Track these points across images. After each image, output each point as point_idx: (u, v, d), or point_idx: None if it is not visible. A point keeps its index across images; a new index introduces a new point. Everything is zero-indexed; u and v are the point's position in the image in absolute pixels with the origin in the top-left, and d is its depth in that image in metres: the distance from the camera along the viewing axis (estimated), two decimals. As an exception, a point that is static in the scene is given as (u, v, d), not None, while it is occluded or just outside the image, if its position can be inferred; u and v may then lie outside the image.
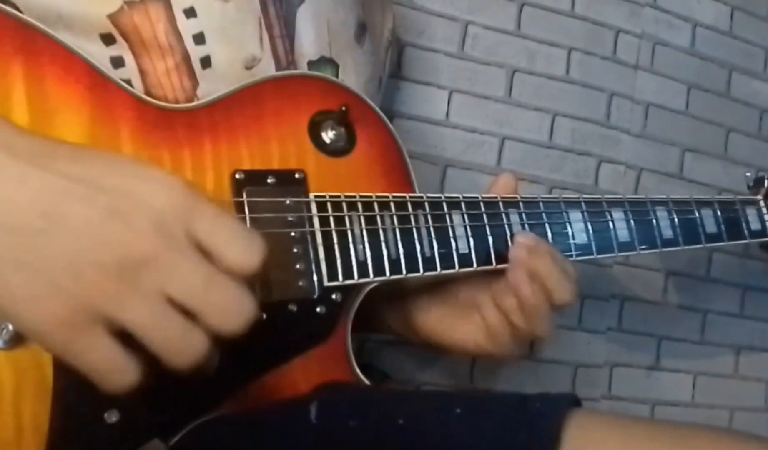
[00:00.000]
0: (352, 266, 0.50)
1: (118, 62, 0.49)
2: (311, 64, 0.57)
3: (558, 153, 0.98)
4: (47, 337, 0.36)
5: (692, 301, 1.06)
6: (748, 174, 0.82)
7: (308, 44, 0.57)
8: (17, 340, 0.41)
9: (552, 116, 0.98)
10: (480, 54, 0.94)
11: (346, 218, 0.51)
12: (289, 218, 0.49)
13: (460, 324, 0.58)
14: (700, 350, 1.07)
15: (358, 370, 0.52)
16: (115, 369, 0.36)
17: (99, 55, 0.48)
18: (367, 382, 0.53)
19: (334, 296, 0.50)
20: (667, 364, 1.05)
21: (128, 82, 0.49)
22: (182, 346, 0.37)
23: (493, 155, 0.94)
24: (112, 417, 0.43)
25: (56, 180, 0.36)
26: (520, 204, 0.59)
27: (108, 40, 0.49)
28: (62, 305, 0.35)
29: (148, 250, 0.36)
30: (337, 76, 0.58)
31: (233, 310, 0.37)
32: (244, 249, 0.38)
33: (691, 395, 1.06)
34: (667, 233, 0.65)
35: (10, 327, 0.40)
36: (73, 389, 0.42)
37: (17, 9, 0.46)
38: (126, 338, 0.37)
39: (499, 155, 0.94)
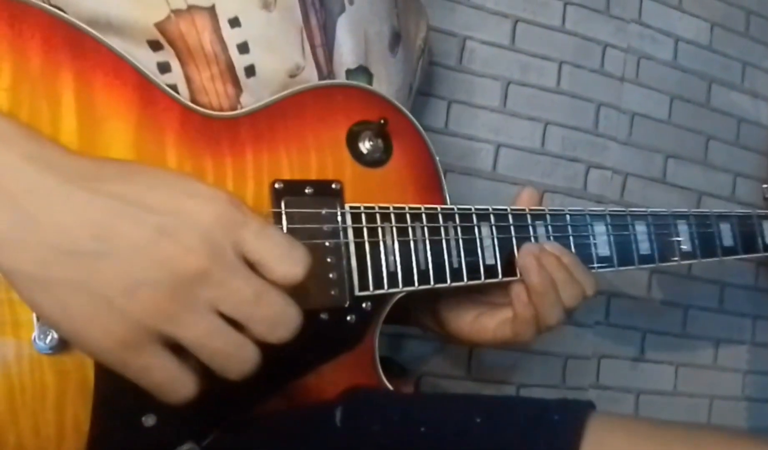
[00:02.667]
0: (382, 277, 0.50)
1: (164, 68, 0.48)
2: (349, 73, 0.56)
3: (549, 159, 0.99)
4: (107, 355, 0.36)
5: (675, 297, 1.08)
6: (765, 186, 0.81)
7: (347, 53, 0.56)
8: (62, 345, 0.40)
9: (544, 125, 0.99)
10: (477, 67, 0.95)
11: (379, 230, 0.51)
12: (325, 228, 0.49)
13: (491, 321, 0.57)
14: (682, 343, 1.09)
15: (383, 377, 0.52)
16: (173, 383, 0.37)
17: (146, 60, 0.47)
18: (390, 387, 0.52)
19: (364, 305, 0.50)
20: (651, 356, 1.06)
21: (174, 87, 0.48)
22: (236, 359, 0.37)
23: (488, 161, 0.96)
24: (149, 421, 0.43)
25: (104, 201, 0.35)
26: (547, 216, 0.58)
27: (155, 46, 0.48)
28: (119, 325, 0.35)
29: (198, 267, 0.36)
30: (370, 85, 0.57)
31: (281, 320, 0.37)
32: (289, 260, 0.38)
33: (673, 385, 1.08)
34: (686, 247, 0.65)
35: (55, 334, 0.40)
36: (112, 393, 0.42)
37: (64, 12, 0.45)
38: (181, 350, 0.37)
39: (494, 161, 0.96)
